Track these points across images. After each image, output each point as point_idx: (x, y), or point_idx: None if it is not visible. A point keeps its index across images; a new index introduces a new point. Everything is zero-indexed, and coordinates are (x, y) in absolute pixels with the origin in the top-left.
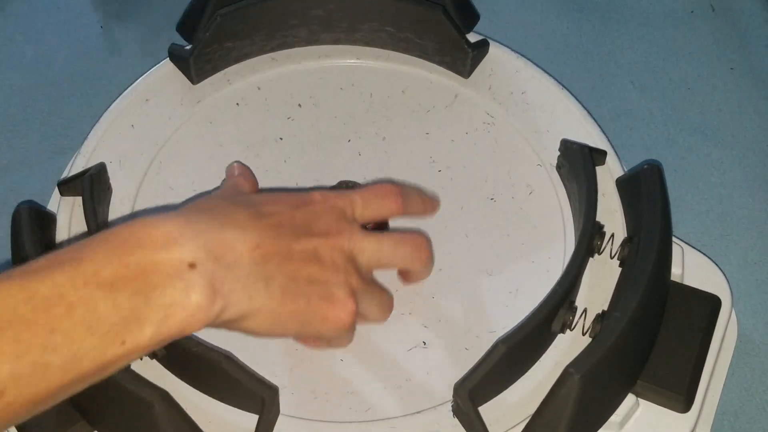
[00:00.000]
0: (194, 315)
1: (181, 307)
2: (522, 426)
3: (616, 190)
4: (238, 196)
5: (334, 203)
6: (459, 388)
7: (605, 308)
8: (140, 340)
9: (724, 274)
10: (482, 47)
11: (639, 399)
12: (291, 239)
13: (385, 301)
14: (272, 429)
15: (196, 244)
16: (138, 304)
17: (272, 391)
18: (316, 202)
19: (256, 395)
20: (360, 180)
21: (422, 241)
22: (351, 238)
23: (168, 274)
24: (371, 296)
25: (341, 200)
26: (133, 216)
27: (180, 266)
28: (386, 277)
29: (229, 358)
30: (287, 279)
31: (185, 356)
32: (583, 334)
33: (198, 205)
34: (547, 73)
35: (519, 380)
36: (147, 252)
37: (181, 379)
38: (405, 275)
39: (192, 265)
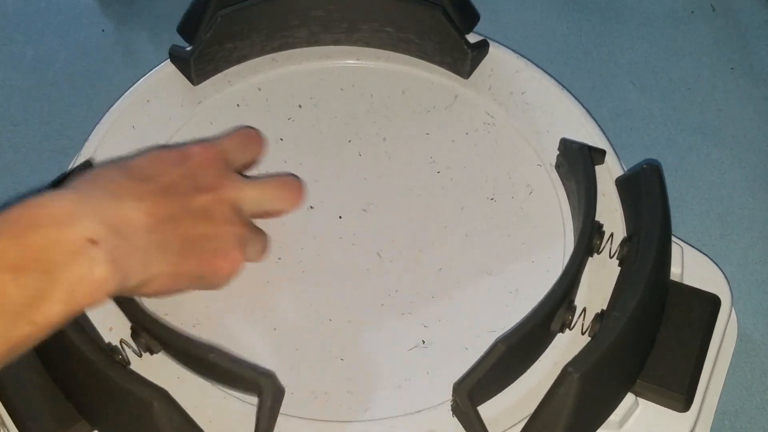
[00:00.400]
0: (99, 289)
1: (86, 283)
2: (521, 425)
3: (615, 189)
4: (126, 161)
5: (213, 154)
6: (458, 387)
7: (604, 307)
8: (50, 318)
9: (724, 274)
10: (482, 48)
11: (638, 398)
12: (181, 199)
13: (265, 243)
14: (277, 412)
15: (93, 219)
16: (44, 283)
17: (267, 376)
18: (195, 155)
19: (252, 383)
20: (361, 181)
21: (297, 183)
22: (235, 188)
23: (70, 252)
24: (254, 241)
25: (217, 150)
26: None
27: (81, 243)
28: (388, 277)
29: (217, 349)
30: (181, 241)
31: (178, 352)
32: (582, 334)
33: (88, 177)
34: (547, 73)
35: (518, 379)
36: (47, 230)
37: (186, 368)
38: (271, 213)
39: (92, 241)
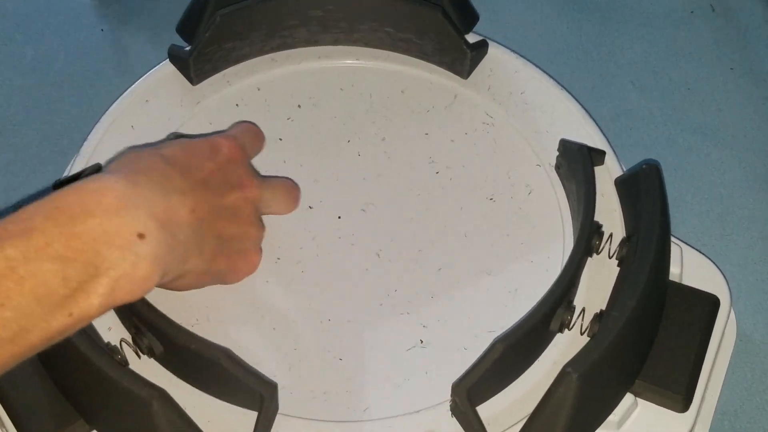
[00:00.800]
0: (140, 286)
1: (128, 280)
2: (520, 425)
3: (614, 189)
4: (160, 150)
5: (237, 148)
6: (457, 387)
7: (603, 308)
8: (87, 311)
9: (723, 274)
10: (481, 48)
11: (637, 398)
12: (217, 196)
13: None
14: (271, 426)
15: (145, 213)
16: (87, 276)
17: (271, 387)
18: (223, 148)
19: (255, 392)
20: (360, 181)
21: (297, 188)
22: (257, 187)
23: (119, 246)
24: (260, 242)
25: (239, 144)
26: None
27: (130, 237)
28: (387, 277)
29: (228, 354)
30: (216, 239)
31: (184, 353)
32: (582, 334)
33: (133, 164)
34: (547, 73)
35: (517, 379)
36: (98, 221)
37: (180, 377)
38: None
39: (141, 236)
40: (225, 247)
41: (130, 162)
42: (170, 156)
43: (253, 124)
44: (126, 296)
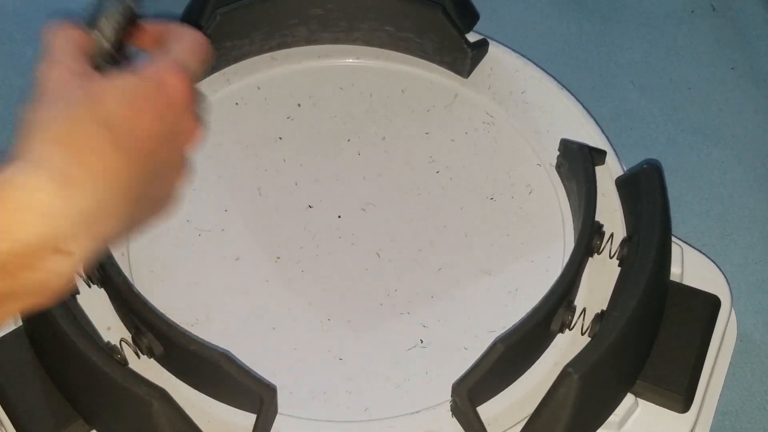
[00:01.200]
0: (50, 297)
1: (40, 297)
2: (521, 426)
3: (615, 189)
4: (100, 111)
5: (187, 89)
6: (457, 387)
7: (604, 308)
8: None
9: (724, 274)
10: (482, 47)
11: (638, 399)
12: (157, 164)
13: None
14: (270, 428)
15: (71, 226)
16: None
17: (270, 390)
18: (177, 95)
19: (255, 394)
20: (360, 180)
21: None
22: (200, 134)
23: (36, 268)
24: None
25: (190, 81)
26: None
27: (51, 256)
28: (387, 277)
29: (227, 357)
30: (144, 209)
31: (183, 355)
32: (582, 334)
33: (68, 134)
34: (547, 73)
35: (518, 380)
36: (21, 245)
37: (180, 378)
38: None
39: (61, 251)
40: (152, 205)
41: (65, 125)
42: (114, 123)
43: (196, 31)
44: (34, 308)
